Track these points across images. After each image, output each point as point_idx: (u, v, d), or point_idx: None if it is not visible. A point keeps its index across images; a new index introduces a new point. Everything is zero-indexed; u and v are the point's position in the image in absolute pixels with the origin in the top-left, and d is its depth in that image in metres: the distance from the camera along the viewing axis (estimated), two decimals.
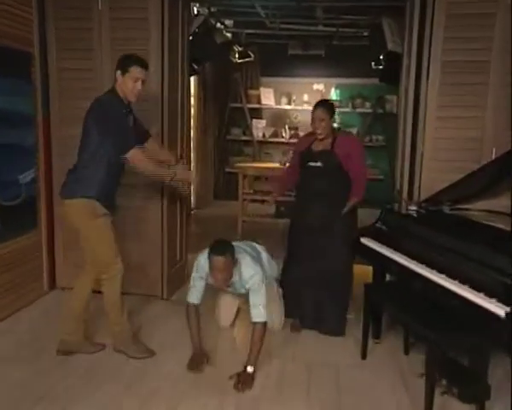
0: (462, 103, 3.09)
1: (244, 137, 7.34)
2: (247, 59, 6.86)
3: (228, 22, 6.79)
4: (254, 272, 2.54)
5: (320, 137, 2.94)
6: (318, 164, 2.94)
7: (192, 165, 6.64)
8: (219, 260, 2.45)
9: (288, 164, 3.47)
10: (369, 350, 2.79)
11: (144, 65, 2.53)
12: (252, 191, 5.74)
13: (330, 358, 2.80)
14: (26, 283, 3.39)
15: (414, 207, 2.79)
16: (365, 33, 6.10)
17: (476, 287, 1.96)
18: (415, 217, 2.74)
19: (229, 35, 6.91)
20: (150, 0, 3.20)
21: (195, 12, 5.30)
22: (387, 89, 6.21)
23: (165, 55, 3.29)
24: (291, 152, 3.35)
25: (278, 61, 6.96)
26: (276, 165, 5.57)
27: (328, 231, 2.95)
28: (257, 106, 7.25)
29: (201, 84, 6.67)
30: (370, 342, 2.82)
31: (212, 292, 2.97)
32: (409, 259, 2.37)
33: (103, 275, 2.66)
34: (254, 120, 7.21)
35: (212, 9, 6.00)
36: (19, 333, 3.00)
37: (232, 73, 7.18)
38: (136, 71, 2.49)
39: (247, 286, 2.55)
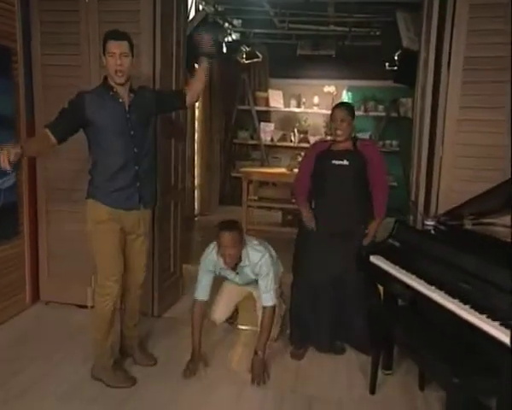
0: (486, 104, 2.73)
1: (251, 141, 7.06)
2: (254, 59, 6.61)
3: (236, 22, 6.58)
4: (262, 255, 2.59)
5: (340, 138, 2.68)
6: (344, 162, 2.66)
7: (196, 169, 6.42)
8: (228, 235, 2.48)
9: (296, 170, 3.13)
10: (379, 383, 2.47)
11: (118, 36, 2.26)
12: (256, 198, 5.44)
13: (334, 391, 2.48)
14: (7, 295, 3.13)
15: (431, 222, 2.46)
16: (378, 33, 5.81)
17: (509, 325, 1.62)
18: (432, 233, 2.41)
19: (235, 36, 6.69)
20: None
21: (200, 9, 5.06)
22: (402, 91, 5.91)
23: (158, 51, 3.01)
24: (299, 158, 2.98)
25: (287, 62, 6.68)
26: (283, 170, 5.28)
27: (350, 238, 2.67)
28: (265, 108, 6.96)
29: (207, 85, 6.41)
30: (380, 373, 2.50)
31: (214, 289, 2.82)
32: (425, 283, 2.04)
33: (97, 288, 2.43)
34: (262, 124, 6.93)
35: (220, 8, 5.79)
36: None
37: (239, 74, 6.92)
38: (110, 46, 2.25)
39: (256, 271, 2.59)
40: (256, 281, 2.66)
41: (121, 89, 2.34)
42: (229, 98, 7.01)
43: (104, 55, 2.28)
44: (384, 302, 2.51)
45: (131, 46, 2.32)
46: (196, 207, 6.45)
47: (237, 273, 2.70)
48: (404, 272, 2.21)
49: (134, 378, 2.49)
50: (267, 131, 6.93)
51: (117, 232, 2.38)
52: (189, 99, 2.56)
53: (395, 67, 4.95)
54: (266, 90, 6.96)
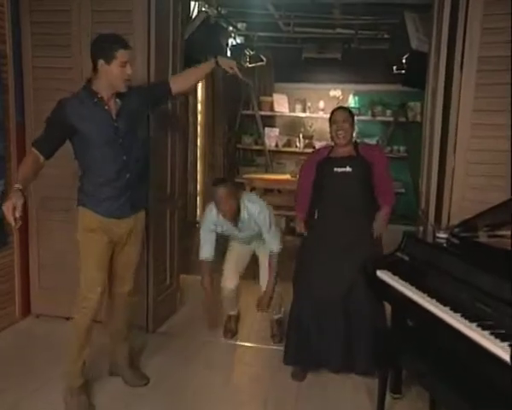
0: (503, 107, 2.53)
1: (256, 147, 6.90)
2: (258, 63, 6.47)
3: (240, 25, 6.45)
4: (259, 204, 2.76)
5: (342, 141, 2.55)
6: (347, 169, 2.52)
7: (198, 175, 6.28)
8: (222, 189, 2.64)
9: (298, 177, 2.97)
10: (387, 408, 2.27)
11: (127, 45, 2.18)
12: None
13: None
14: None
15: (443, 234, 2.26)
16: (386, 35, 5.65)
17: None
18: (444, 247, 2.21)
19: (239, 39, 6.56)
20: None
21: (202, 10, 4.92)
22: (410, 95, 5.75)
23: (152, 53, 2.87)
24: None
25: (292, 65, 6.53)
26: (287, 176, 5.12)
27: (356, 250, 2.49)
28: (270, 113, 6.82)
29: (210, 89, 6.28)
30: (388, 396, 2.32)
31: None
32: (437, 304, 1.84)
33: (78, 298, 2.28)
34: (267, 129, 6.78)
35: (223, 11, 5.66)
36: None
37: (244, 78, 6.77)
38: (123, 55, 2.13)
39: (257, 220, 2.72)
40: (258, 235, 2.81)
41: (109, 95, 2.19)
42: (233, 103, 6.87)
43: (109, 61, 2.11)
44: (391, 322, 2.31)
45: None
46: (199, 213, 6.29)
47: (239, 228, 2.78)
48: (413, 289, 2.01)
49: (94, 406, 2.32)
50: (272, 137, 6.77)
51: (105, 244, 2.26)
52: (175, 87, 2.45)
53: (403, 71, 4.77)
54: (271, 95, 6.82)
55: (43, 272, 3.21)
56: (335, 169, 2.54)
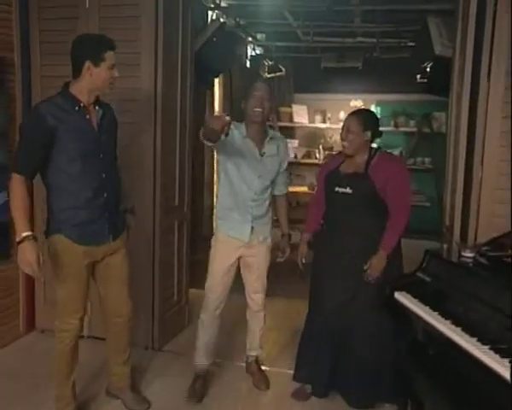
0: None
1: None
2: (277, 73, 6.38)
3: (259, 36, 6.38)
4: (283, 137, 2.57)
5: (346, 151, 2.36)
6: (347, 190, 2.32)
7: (215, 187, 6.16)
8: (262, 84, 2.39)
9: (315, 190, 2.81)
10: None
11: (115, 46, 2.02)
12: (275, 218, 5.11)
13: None
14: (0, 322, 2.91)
15: (470, 253, 2.05)
16: (408, 43, 5.45)
17: None
18: (471, 267, 2.00)
19: (258, 50, 6.48)
20: None
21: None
22: (435, 105, 5.55)
23: (160, 64, 2.77)
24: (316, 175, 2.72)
25: (312, 75, 6.42)
26: (305, 189, 4.95)
27: (360, 276, 2.30)
28: (289, 124, 6.69)
29: (227, 100, 6.18)
30: None
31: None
32: (463, 333, 1.63)
33: (57, 322, 2.15)
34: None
35: (242, 22, 5.59)
36: None
37: None
38: (111, 57, 1.98)
39: (281, 151, 2.45)
40: (270, 186, 2.46)
41: (89, 101, 2.01)
42: None
43: (97, 64, 1.95)
44: (410, 350, 2.10)
45: None
46: (215, 225, 6.16)
47: (261, 154, 2.37)
48: (435, 315, 1.81)
49: None
50: (291, 148, 6.63)
51: (83, 268, 2.08)
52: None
53: (425, 80, 4.56)
54: (290, 106, 6.71)
55: (49, 285, 3.10)
56: (336, 189, 2.36)
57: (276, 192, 2.57)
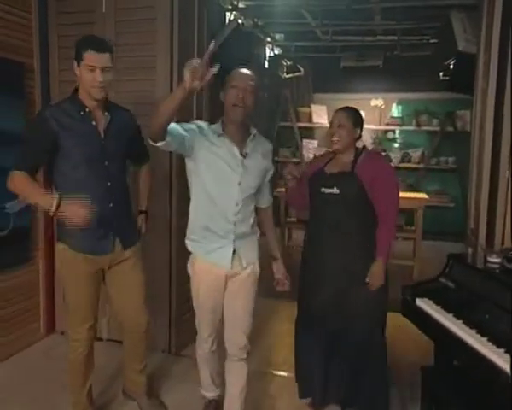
0: None
1: (294, 159, 6.71)
2: (296, 73, 6.33)
3: (278, 36, 6.33)
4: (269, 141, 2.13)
5: (335, 147, 2.22)
6: (334, 190, 2.19)
7: None
8: (246, 72, 1.90)
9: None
10: None
11: (100, 47, 1.86)
12: (295, 219, 5.06)
13: None
14: (19, 325, 2.95)
15: (496, 259, 1.96)
16: (430, 40, 5.32)
17: None
18: (497, 273, 1.91)
19: (277, 50, 6.43)
20: None
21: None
22: (459, 103, 5.40)
23: (175, 62, 2.76)
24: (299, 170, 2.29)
25: (331, 75, 6.33)
26: None
27: (350, 282, 2.21)
28: (308, 125, 6.64)
29: None
30: None
31: None
32: (487, 343, 1.56)
33: (69, 330, 2.16)
34: (305, 141, 6.59)
35: (260, 22, 5.56)
36: None
37: (281, 90, 6.62)
38: (90, 57, 1.85)
39: (266, 157, 2.04)
40: (254, 195, 2.02)
41: (94, 106, 1.96)
42: (271, 114, 6.73)
43: (78, 64, 1.88)
44: (434, 360, 2.02)
45: (113, 56, 1.94)
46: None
47: (244, 154, 1.94)
48: (459, 323, 1.73)
49: None
50: (310, 149, 6.56)
51: (90, 277, 2.05)
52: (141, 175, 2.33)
53: (447, 78, 4.43)
54: (309, 106, 6.65)
55: None
56: (322, 189, 2.23)
57: (262, 204, 2.16)
